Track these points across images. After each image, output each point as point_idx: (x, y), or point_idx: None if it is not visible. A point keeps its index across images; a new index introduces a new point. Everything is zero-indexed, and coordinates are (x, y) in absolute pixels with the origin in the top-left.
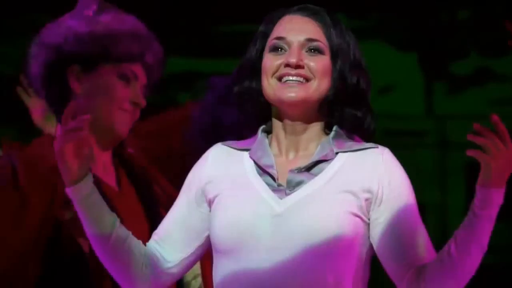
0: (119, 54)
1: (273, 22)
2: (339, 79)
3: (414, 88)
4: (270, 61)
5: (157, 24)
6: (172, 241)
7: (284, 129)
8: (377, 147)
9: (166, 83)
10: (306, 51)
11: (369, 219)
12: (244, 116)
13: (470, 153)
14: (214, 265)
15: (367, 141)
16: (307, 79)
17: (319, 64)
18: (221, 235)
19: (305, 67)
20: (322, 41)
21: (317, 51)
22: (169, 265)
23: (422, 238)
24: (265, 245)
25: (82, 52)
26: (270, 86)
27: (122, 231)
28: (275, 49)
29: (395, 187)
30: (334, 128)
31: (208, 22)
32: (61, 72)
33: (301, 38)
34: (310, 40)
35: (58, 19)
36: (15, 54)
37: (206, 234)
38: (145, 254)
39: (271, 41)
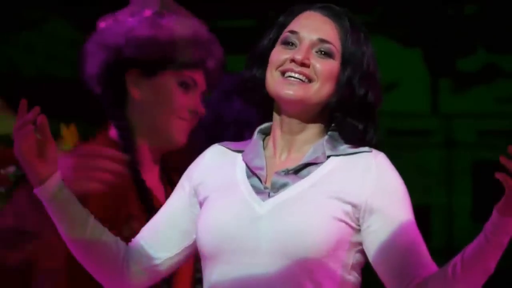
0: (181, 61)
1: (292, 15)
2: (345, 87)
3: (419, 85)
4: (278, 54)
5: None
6: (158, 239)
7: (281, 127)
8: (371, 151)
9: None
10: (316, 52)
11: (359, 226)
12: (247, 108)
13: (498, 176)
14: (202, 271)
15: None
16: (310, 80)
17: (325, 67)
18: (204, 239)
19: (311, 67)
20: (335, 45)
21: (326, 54)
22: (155, 262)
23: (418, 248)
24: (247, 249)
25: (143, 57)
26: (272, 79)
27: (96, 228)
28: (286, 42)
29: (387, 194)
30: (329, 132)
31: (207, 17)
32: (119, 74)
33: (314, 37)
34: (322, 41)
35: (116, 16)
36: (7, 52)
37: (195, 235)
38: (126, 251)
39: (284, 34)
